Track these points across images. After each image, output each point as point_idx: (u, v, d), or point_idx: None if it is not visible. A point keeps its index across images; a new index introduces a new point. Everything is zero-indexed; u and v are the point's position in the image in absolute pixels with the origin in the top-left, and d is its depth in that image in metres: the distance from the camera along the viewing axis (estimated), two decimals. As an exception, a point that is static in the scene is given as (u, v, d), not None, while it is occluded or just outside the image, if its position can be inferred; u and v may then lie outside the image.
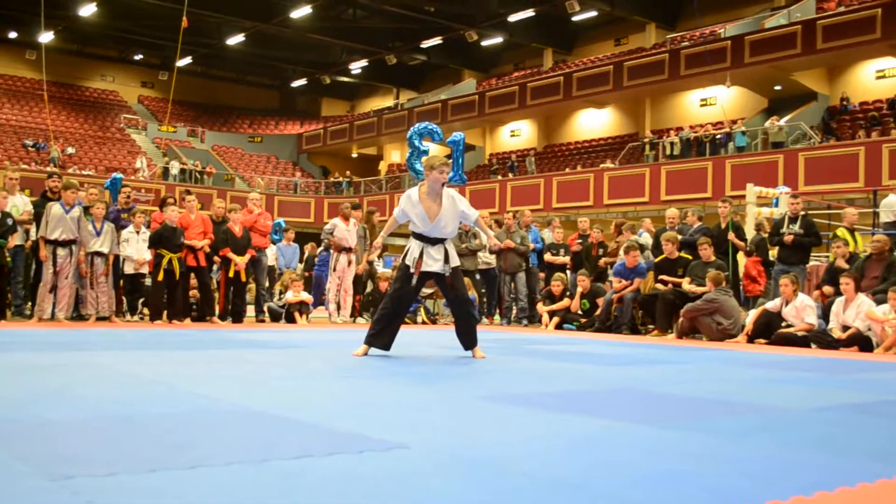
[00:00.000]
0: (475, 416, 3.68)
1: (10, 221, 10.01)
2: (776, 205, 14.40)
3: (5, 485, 2.21)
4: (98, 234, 10.43)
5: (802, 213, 11.27)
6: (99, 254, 10.42)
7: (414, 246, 6.51)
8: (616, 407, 4.11)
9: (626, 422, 3.58)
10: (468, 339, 6.70)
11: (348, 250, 12.29)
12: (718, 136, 24.23)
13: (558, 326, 12.01)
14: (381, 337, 6.50)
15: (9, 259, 10.03)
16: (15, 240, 10.22)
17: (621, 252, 11.94)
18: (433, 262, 6.46)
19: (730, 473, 2.60)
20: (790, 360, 7.40)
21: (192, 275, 11.11)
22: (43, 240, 9.99)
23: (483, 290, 13.83)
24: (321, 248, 14.04)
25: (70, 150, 33.06)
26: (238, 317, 11.44)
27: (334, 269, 12.32)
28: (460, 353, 6.87)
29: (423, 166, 6.58)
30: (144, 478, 2.31)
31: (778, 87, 26.09)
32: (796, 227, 11.00)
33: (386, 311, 6.56)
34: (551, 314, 12.19)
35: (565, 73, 31.02)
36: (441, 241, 6.53)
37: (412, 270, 6.47)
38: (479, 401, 4.11)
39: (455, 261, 6.60)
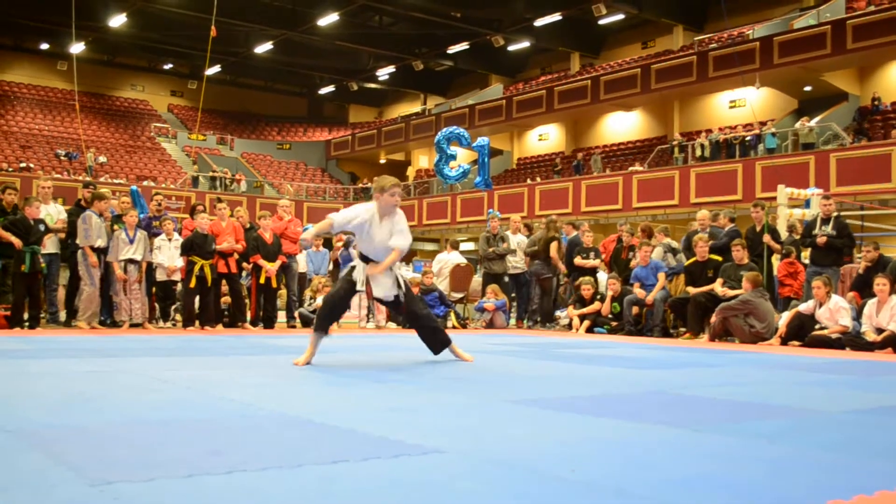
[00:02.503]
0: (509, 419, 3.68)
1: (42, 227, 10.16)
2: (807, 206, 14.28)
3: (47, 490, 2.25)
4: (131, 241, 10.55)
5: (835, 214, 11.16)
6: (132, 261, 10.54)
7: (360, 267, 6.27)
8: (648, 410, 4.10)
9: (658, 425, 3.57)
10: (434, 343, 6.55)
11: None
12: (748, 138, 24.06)
13: (589, 330, 11.97)
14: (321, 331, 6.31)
15: (43, 265, 10.17)
16: (49, 246, 10.38)
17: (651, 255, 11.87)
18: (382, 287, 6.28)
19: (762, 476, 2.59)
20: (823, 363, 7.33)
21: (224, 281, 11.20)
22: (89, 248, 10.18)
23: (513, 295, 13.82)
24: (342, 247, 14.09)
25: (102, 158, 33.42)
26: (269, 322, 11.50)
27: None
28: (491, 358, 6.86)
29: (374, 188, 6.29)
30: (182, 483, 2.34)
31: (808, 88, 25.88)
32: (829, 229, 10.90)
33: (322, 313, 6.40)
34: (582, 318, 12.15)
35: (592, 77, 30.95)
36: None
37: (361, 290, 6.30)
38: (513, 405, 4.11)
39: (402, 284, 6.37)
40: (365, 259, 6.29)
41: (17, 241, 9.74)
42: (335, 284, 6.68)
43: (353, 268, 6.36)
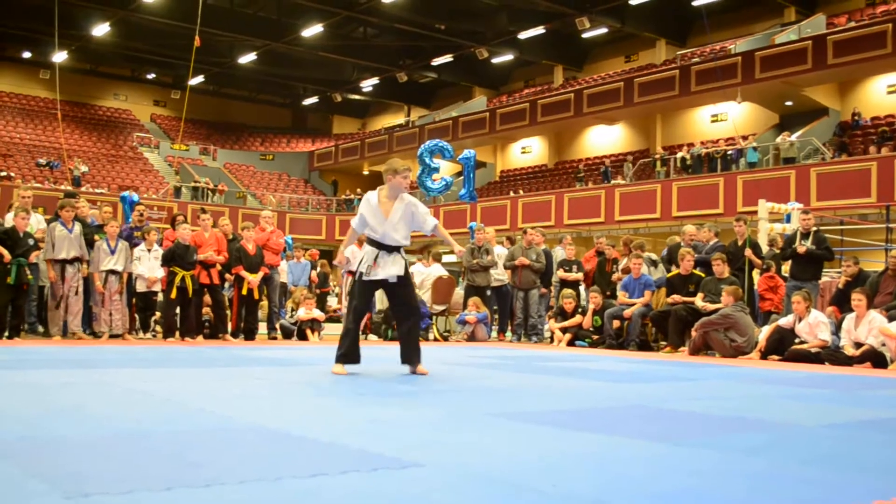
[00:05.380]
0: (489, 433, 3.68)
1: (31, 241, 10.11)
2: (788, 221, 14.37)
3: (22, 502, 2.23)
4: (112, 252, 10.50)
5: (814, 228, 11.24)
6: (113, 272, 10.48)
7: (368, 251, 6.43)
8: (628, 424, 4.11)
9: (638, 439, 3.58)
10: (412, 353, 6.53)
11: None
12: (730, 152, 24.20)
13: (570, 343, 11.99)
14: (352, 354, 6.46)
15: (30, 277, 10.11)
16: (32, 258, 10.32)
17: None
18: (388, 268, 6.36)
19: (742, 491, 2.60)
20: (803, 377, 7.38)
21: (206, 292, 11.15)
22: (50, 261, 10.09)
23: (495, 307, 13.83)
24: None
25: (84, 168, 33.25)
26: (250, 334, 11.46)
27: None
28: (472, 371, 6.86)
29: (386, 169, 6.47)
30: (160, 496, 2.33)
31: (789, 103, 26.07)
32: (808, 243, 10.98)
33: (350, 328, 6.52)
34: (563, 331, 12.17)
35: (576, 90, 31.07)
36: (396, 249, 6.44)
37: (365, 276, 6.38)
38: (493, 418, 4.11)
39: (405, 270, 6.48)
40: (376, 244, 6.42)
41: (5, 254, 9.68)
42: (352, 298, 6.70)
43: (359, 265, 6.47)
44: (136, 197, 13.61)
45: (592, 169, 30.53)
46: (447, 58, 35.64)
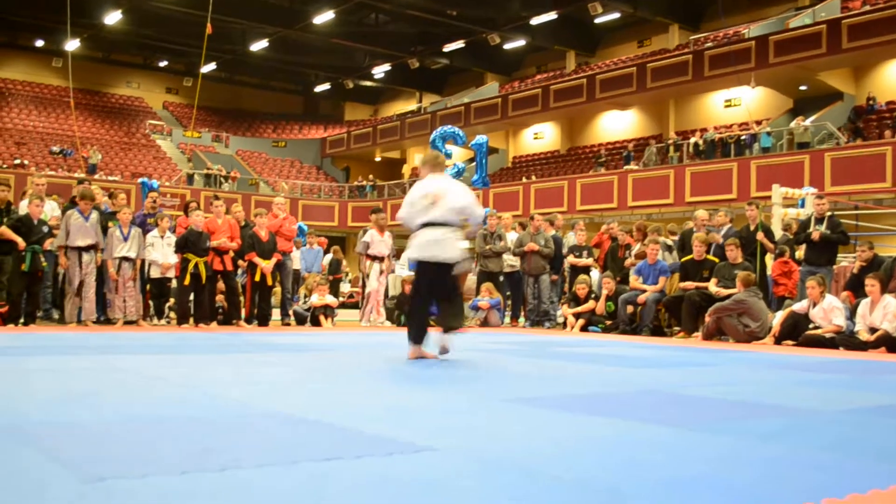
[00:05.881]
0: (503, 418, 3.68)
1: (45, 229, 10.17)
2: (802, 206, 14.30)
3: (40, 486, 2.24)
4: (125, 238, 10.54)
5: (829, 213, 11.17)
6: (126, 258, 10.52)
7: (424, 237, 6.40)
8: (642, 409, 4.11)
9: (652, 424, 3.57)
10: (450, 318, 6.57)
11: (381, 259, 12.40)
12: (743, 138, 24.07)
13: (583, 329, 11.98)
14: (420, 333, 6.46)
15: (44, 264, 10.17)
16: (49, 245, 10.39)
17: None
18: (441, 250, 6.36)
19: (756, 476, 2.59)
20: (817, 363, 7.35)
21: (219, 279, 11.18)
22: (64, 248, 10.12)
23: (508, 293, 13.82)
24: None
25: (98, 156, 33.35)
26: (264, 320, 11.50)
27: (367, 276, 12.43)
28: (486, 356, 6.86)
29: (427, 161, 6.74)
30: (176, 480, 2.34)
31: (803, 87, 25.90)
32: (822, 228, 10.91)
33: (413, 307, 6.63)
34: (576, 316, 12.16)
35: (588, 76, 30.95)
36: (447, 226, 6.42)
37: (422, 258, 6.40)
38: (507, 403, 4.11)
39: (460, 254, 6.50)
40: (427, 224, 6.40)
41: (20, 241, 9.74)
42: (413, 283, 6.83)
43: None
44: (155, 183, 13.63)
45: (605, 154, 30.44)
46: (459, 44, 35.55)
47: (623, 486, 2.41)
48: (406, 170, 39.94)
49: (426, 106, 40.54)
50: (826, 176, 20.33)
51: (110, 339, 8.16)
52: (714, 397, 4.60)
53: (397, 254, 14.08)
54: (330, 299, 12.33)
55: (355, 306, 13.24)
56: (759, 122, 25.04)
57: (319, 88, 45.19)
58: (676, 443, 3.15)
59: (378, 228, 12.52)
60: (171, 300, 11.62)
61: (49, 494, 2.17)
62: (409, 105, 43.81)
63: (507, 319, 13.70)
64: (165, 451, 2.79)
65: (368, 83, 43.67)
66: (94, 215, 10.39)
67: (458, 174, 14.92)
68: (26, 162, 30.91)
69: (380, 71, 40.38)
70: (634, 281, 11.77)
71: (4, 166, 29.66)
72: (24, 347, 7.02)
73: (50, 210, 11.05)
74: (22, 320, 9.89)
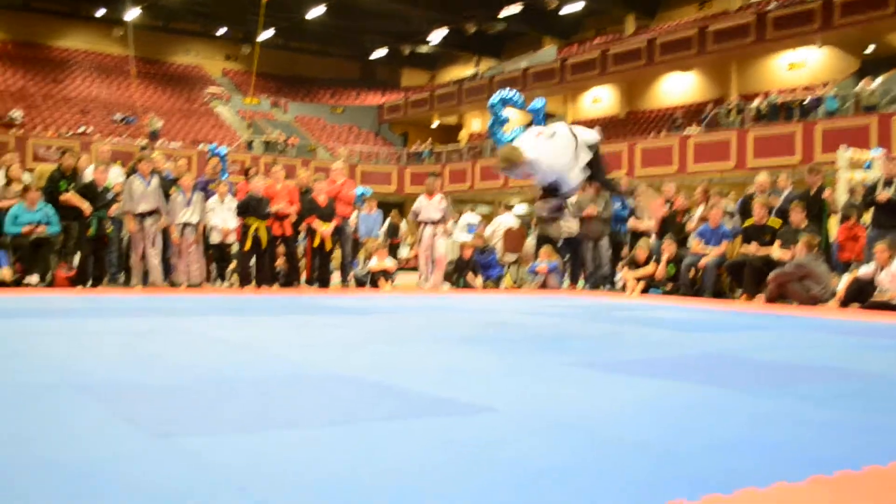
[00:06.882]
0: (562, 381, 3.69)
1: (110, 195, 10.38)
2: (868, 167, 13.94)
3: (115, 442, 2.31)
4: (188, 204, 10.70)
5: (900, 176, 10.85)
6: (189, 224, 10.69)
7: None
8: (700, 372, 4.07)
9: (709, 386, 3.55)
10: None
11: (434, 223, 12.42)
12: (807, 100, 23.51)
13: (643, 292, 11.89)
14: None
15: (110, 229, 10.39)
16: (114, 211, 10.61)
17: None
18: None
19: (819, 440, 2.57)
20: (882, 328, 7.20)
21: (279, 243, 11.32)
22: (129, 214, 10.31)
23: (567, 258, 13.75)
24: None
25: (159, 123, 33.82)
26: (324, 283, 11.62)
27: (419, 241, 12.50)
28: (545, 320, 6.86)
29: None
30: (240, 438, 2.39)
31: (870, 49, 25.18)
32: (891, 191, 10.63)
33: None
34: (637, 279, 12.06)
35: (648, 39, 30.46)
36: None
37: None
38: (566, 366, 4.11)
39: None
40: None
41: (87, 207, 9.97)
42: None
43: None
44: (224, 149, 13.76)
45: (665, 119, 29.99)
46: (516, 8, 35.15)
47: (678, 447, 2.41)
48: (463, 135, 39.81)
49: (483, 70, 40.29)
50: (894, 139, 19.78)
51: (174, 302, 8.31)
52: (777, 361, 4.54)
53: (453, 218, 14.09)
54: (389, 263, 12.40)
55: (414, 270, 13.32)
56: (824, 84, 24.43)
57: (376, 55, 45.15)
58: (731, 406, 3.13)
59: (427, 193, 12.56)
60: (233, 264, 11.79)
61: (122, 449, 2.24)
62: (466, 70, 43.55)
63: (567, 283, 13.63)
64: (229, 411, 2.85)
65: (425, 49, 43.50)
66: (155, 181, 10.54)
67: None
68: (91, 129, 31.46)
69: (437, 36, 40.18)
70: (697, 244, 11.63)
71: (70, 134, 30.21)
72: (90, 310, 7.20)
73: (115, 177, 11.25)
74: (90, 283, 10.13)
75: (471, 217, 16.04)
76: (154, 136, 31.26)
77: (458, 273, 12.63)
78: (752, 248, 10.85)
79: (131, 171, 11.15)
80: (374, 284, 12.10)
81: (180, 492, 1.85)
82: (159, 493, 1.84)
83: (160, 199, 10.50)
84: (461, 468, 2.12)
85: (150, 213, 10.42)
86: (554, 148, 5.71)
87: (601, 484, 2.00)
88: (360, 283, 12.25)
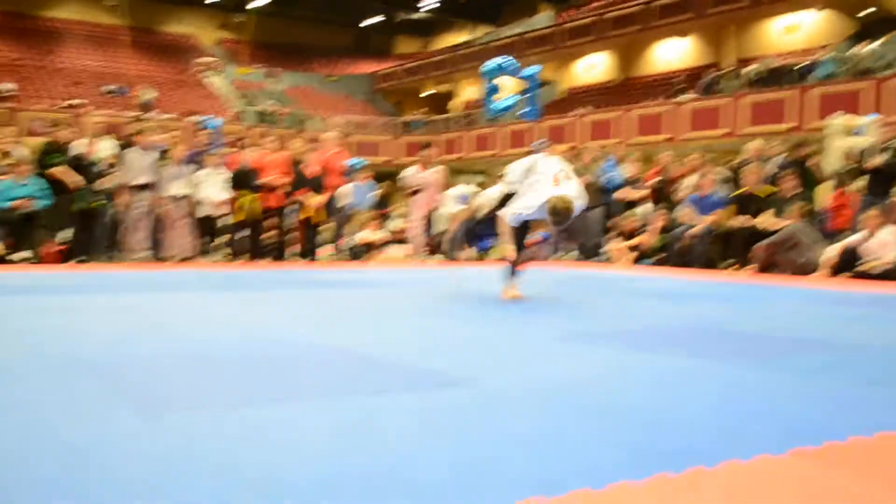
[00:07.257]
0: (551, 352, 3.71)
1: (101, 168, 10.34)
2: (861, 133, 13.88)
3: (102, 419, 2.33)
4: (178, 176, 10.66)
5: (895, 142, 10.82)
6: (179, 196, 10.66)
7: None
8: (688, 343, 4.10)
9: (696, 358, 3.58)
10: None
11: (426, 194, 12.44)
12: (802, 65, 23.35)
13: (634, 262, 11.91)
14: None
15: (102, 203, 10.36)
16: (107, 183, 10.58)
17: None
18: None
19: (802, 411, 2.59)
20: (870, 297, 7.22)
21: (270, 215, 11.30)
22: (122, 186, 10.29)
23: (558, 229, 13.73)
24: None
25: (149, 94, 33.60)
26: (314, 256, 11.61)
27: (410, 213, 12.55)
28: (535, 290, 6.88)
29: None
30: (228, 414, 2.42)
31: (867, 12, 24.99)
32: (886, 157, 10.59)
33: None
34: (630, 249, 12.08)
35: (645, 2, 30.25)
36: None
37: None
38: (555, 338, 4.14)
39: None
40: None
41: (79, 180, 9.93)
42: None
43: None
44: (220, 121, 13.69)
45: (660, 84, 29.84)
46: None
47: (665, 416, 2.44)
48: (453, 104, 39.60)
49: (479, 37, 40.03)
50: (888, 103, 19.68)
51: (164, 277, 8.32)
52: (759, 332, 4.57)
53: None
54: (379, 234, 12.41)
55: (404, 241, 13.34)
56: (823, 47, 24.26)
57: (369, 22, 44.80)
58: (717, 376, 3.16)
59: (421, 164, 12.56)
60: (224, 237, 11.77)
61: (112, 424, 2.27)
62: (461, 37, 43.28)
63: (557, 254, 13.64)
64: (219, 386, 2.88)
65: (419, 15, 43.18)
66: (151, 154, 10.52)
67: (508, 108, 14.75)
68: (83, 101, 31.25)
69: (431, 2, 39.85)
70: (688, 214, 11.63)
71: (65, 104, 30.01)
72: (80, 286, 7.20)
73: (108, 149, 11.19)
74: (81, 258, 10.12)
75: (463, 188, 16.01)
76: (146, 106, 31.08)
77: (449, 244, 12.65)
78: (741, 220, 10.84)
79: (126, 144, 11.10)
80: (362, 256, 12.10)
81: (168, 467, 1.87)
82: (147, 469, 1.86)
83: (157, 173, 10.50)
84: (448, 438, 2.15)
85: (144, 187, 10.41)
86: (578, 186, 5.87)
87: (585, 453, 2.01)
88: (351, 254, 12.26)
